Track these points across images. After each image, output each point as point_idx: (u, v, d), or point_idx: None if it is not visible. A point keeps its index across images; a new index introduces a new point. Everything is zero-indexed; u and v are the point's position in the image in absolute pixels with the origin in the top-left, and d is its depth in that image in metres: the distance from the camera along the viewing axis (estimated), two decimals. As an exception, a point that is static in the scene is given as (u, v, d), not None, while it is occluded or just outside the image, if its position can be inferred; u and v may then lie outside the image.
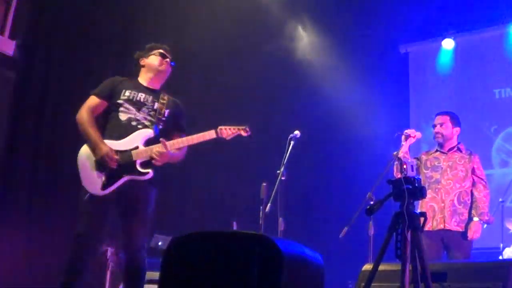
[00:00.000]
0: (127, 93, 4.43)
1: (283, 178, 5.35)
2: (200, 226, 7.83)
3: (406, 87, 8.67)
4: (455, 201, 5.43)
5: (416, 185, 3.22)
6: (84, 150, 4.28)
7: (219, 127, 4.52)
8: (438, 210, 5.41)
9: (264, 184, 5.37)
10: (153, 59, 4.59)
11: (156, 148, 4.29)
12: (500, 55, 8.08)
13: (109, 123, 4.40)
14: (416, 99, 8.61)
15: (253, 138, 4.65)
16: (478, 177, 5.52)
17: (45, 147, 7.09)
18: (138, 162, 4.27)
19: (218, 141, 8.10)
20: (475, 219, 5.34)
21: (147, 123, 4.39)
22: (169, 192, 8.23)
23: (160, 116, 4.43)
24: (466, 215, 5.41)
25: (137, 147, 4.29)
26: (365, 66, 8.43)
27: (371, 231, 5.50)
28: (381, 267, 3.38)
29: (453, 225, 5.37)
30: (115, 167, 4.19)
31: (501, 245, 6.65)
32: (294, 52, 8.74)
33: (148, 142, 4.34)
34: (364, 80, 8.35)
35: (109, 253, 6.42)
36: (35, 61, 7.08)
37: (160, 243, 7.19)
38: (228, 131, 4.54)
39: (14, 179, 6.77)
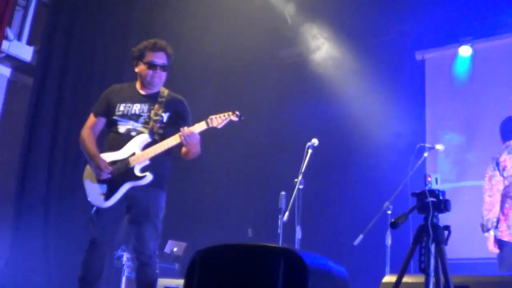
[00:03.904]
0: (121, 107, 4.44)
1: (301, 186, 5.35)
2: (215, 233, 7.83)
3: (422, 94, 8.60)
4: None
5: (441, 198, 3.20)
6: (87, 167, 4.40)
7: (210, 117, 4.40)
8: None
9: (283, 193, 5.37)
10: (142, 70, 4.51)
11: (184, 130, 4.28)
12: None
13: (108, 137, 4.47)
14: (432, 106, 8.52)
15: (243, 120, 4.49)
16: None
17: (61, 152, 7.11)
18: (136, 167, 4.28)
19: (232, 145, 8.19)
20: None
21: (145, 131, 4.39)
22: (184, 198, 8.26)
23: (156, 119, 4.39)
24: None
25: (134, 154, 4.31)
26: (381, 73, 8.38)
27: (389, 241, 5.46)
28: (404, 279, 3.35)
29: None
30: (110, 177, 4.24)
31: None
32: (310, 59, 8.72)
33: (146, 147, 4.35)
34: (380, 87, 8.31)
35: (124, 259, 6.42)
36: (52, 67, 7.11)
37: (175, 249, 7.20)
38: (218, 119, 4.39)
39: (31, 184, 6.79)
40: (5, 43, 6.72)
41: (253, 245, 2.98)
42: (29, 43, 7.21)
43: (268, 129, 8.88)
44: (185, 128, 4.30)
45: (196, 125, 4.38)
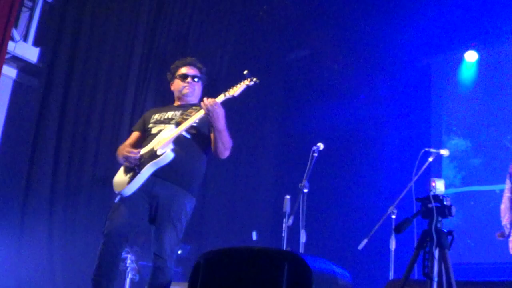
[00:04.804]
0: (156, 115, 4.57)
1: (305, 190, 5.35)
2: (219, 236, 7.82)
3: (428, 99, 8.60)
4: None
5: (445, 203, 3.21)
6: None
7: (227, 90, 4.44)
8: None
9: (288, 197, 5.37)
10: (176, 84, 4.69)
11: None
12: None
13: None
14: (437, 111, 8.53)
15: (258, 82, 4.49)
16: None
17: (66, 153, 7.12)
18: (159, 150, 4.25)
19: (237, 148, 8.20)
20: None
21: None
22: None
23: (186, 118, 4.37)
24: None
25: (159, 142, 4.32)
26: (387, 78, 8.39)
27: (393, 246, 5.45)
28: (408, 284, 3.35)
29: None
30: (138, 158, 4.25)
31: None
32: (316, 64, 8.72)
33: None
34: (385, 92, 8.31)
35: (128, 261, 6.41)
36: (58, 68, 7.10)
37: (179, 252, 7.19)
38: (234, 88, 4.45)
39: (36, 185, 6.80)
40: (11, 44, 6.71)
41: (257, 249, 2.98)
42: (35, 44, 7.19)
43: (273, 132, 8.88)
44: (207, 98, 4.29)
45: (218, 97, 4.36)
